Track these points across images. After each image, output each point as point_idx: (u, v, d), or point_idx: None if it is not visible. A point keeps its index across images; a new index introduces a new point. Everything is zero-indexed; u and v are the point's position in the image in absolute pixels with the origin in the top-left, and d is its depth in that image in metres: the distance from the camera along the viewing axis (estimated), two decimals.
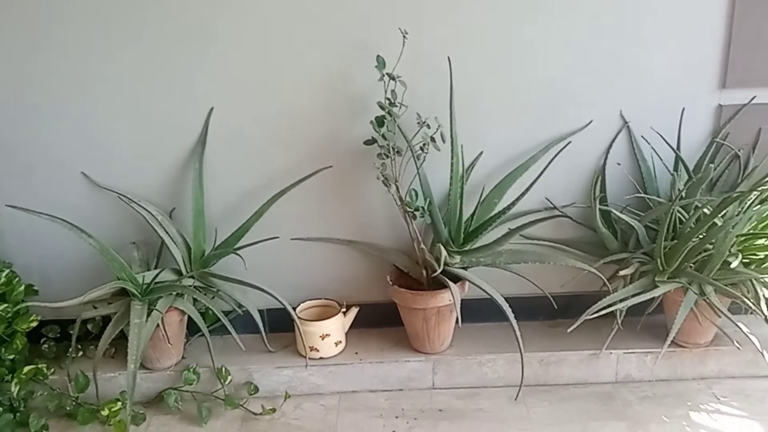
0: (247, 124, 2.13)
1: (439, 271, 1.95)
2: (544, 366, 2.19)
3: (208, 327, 2.11)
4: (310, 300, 2.28)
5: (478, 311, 2.25)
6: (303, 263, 2.29)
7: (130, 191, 2.16)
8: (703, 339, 2.17)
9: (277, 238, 2.14)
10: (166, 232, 2.10)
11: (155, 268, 2.17)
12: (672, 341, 2.15)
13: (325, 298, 2.28)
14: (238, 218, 2.16)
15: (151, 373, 2.16)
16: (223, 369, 2.12)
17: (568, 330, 2.01)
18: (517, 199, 2.00)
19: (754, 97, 2.12)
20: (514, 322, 1.98)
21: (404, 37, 1.93)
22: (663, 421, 2.01)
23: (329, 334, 2.15)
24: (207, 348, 2.09)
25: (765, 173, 2.06)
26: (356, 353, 2.21)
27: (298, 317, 2.16)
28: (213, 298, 2.18)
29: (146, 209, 2.11)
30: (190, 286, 2.09)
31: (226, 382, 2.11)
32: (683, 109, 2.12)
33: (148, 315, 1.99)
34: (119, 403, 2.02)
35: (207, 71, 2.07)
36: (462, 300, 2.19)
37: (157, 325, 1.99)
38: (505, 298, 2.04)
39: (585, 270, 2.02)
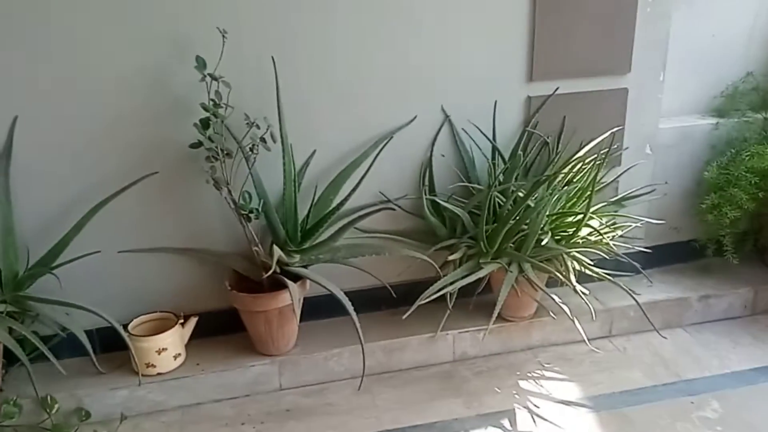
0: (59, 131, 1.97)
1: (271, 270, 1.93)
2: (387, 353, 2.27)
3: (30, 354, 1.93)
4: (145, 314, 2.16)
5: (322, 308, 2.28)
6: (134, 276, 2.17)
7: None
8: (527, 312, 2.36)
9: (98, 252, 2.01)
10: None
11: None
12: (500, 317, 2.34)
13: (161, 311, 2.18)
14: (56, 234, 2.00)
15: None
16: (48, 397, 1.96)
17: (403, 317, 2.10)
18: (349, 194, 2.04)
19: (558, 88, 2.33)
20: (353, 314, 2.02)
21: (224, 36, 1.89)
22: (496, 393, 2.17)
23: (166, 348, 2.06)
24: (29, 377, 1.91)
25: (568, 157, 2.28)
26: (197, 364, 2.14)
27: (131, 334, 2.05)
28: (33, 322, 2.00)
29: None
30: (2, 312, 1.89)
31: (53, 411, 1.95)
32: (495, 102, 2.28)
33: None
34: None
35: (6, 77, 1.89)
36: (305, 298, 2.22)
37: None
38: (348, 292, 2.08)
39: (418, 258, 2.12)
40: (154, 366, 2.06)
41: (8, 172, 1.93)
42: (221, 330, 2.27)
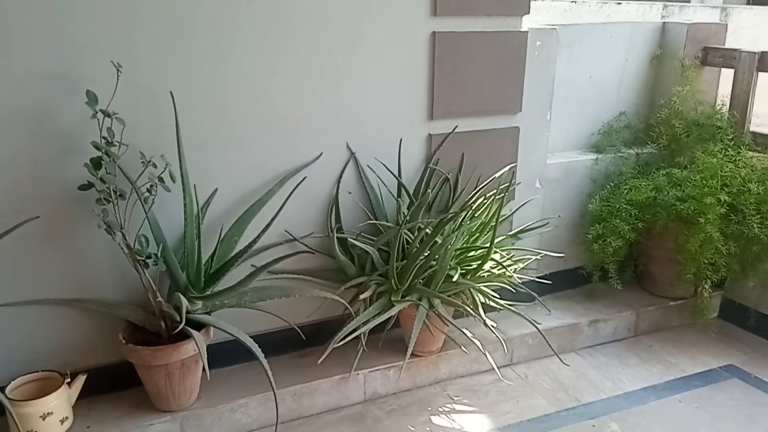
0: None
1: (181, 326, 1.79)
2: (297, 399, 2.18)
3: None
4: (25, 374, 1.92)
5: (226, 354, 2.16)
6: (12, 333, 1.92)
7: None
8: (435, 346, 2.38)
9: None
10: None
11: None
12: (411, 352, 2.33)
13: (44, 370, 1.94)
14: None
15: None
16: None
17: (318, 361, 2.03)
18: (258, 236, 1.97)
19: (456, 126, 2.41)
20: (263, 360, 1.92)
21: (118, 70, 1.76)
22: (409, 431, 2.15)
23: (51, 412, 1.84)
24: None
25: (470, 194, 2.35)
26: (88, 427, 1.94)
27: (8, 399, 1.81)
28: None
29: None
30: None
31: None
32: (401, 140, 2.31)
33: None
34: None
35: None
36: (207, 346, 2.08)
37: None
38: (253, 336, 1.98)
39: (328, 298, 2.07)
40: None
41: None
42: (113, 387, 2.07)
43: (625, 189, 2.66)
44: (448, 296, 2.17)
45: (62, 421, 1.89)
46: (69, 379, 1.93)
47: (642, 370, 2.54)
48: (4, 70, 1.74)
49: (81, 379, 1.97)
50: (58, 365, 1.96)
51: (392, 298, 2.14)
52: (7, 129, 1.78)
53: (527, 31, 2.41)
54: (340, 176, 2.25)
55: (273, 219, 2.00)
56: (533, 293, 2.43)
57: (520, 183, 2.59)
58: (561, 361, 2.48)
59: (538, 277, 2.42)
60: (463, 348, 2.32)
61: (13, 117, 1.78)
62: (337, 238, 2.19)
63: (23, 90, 1.78)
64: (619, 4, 3.66)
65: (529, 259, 2.38)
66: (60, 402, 1.87)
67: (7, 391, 1.84)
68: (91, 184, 1.78)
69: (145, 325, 2.01)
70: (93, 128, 1.77)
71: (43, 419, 1.83)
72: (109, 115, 1.76)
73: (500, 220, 2.42)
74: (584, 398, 2.37)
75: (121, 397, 2.07)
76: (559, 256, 2.49)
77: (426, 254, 2.15)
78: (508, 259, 2.30)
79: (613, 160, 2.83)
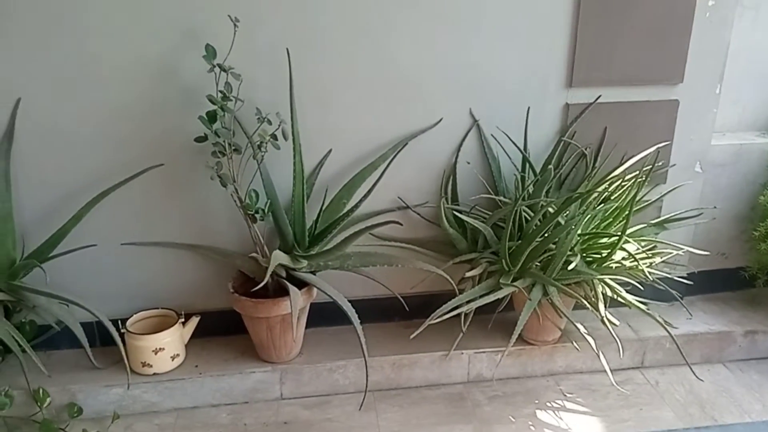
0: (63, 117, 1.89)
1: (264, 281, 1.81)
2: (396, 369, 2.13)
3: (30, 341, 1.88)
4: (145, 310, 2.08)
5: (331, 314, 2.15)
6: (136, 271, 2.09)
7: None
8: (551, 336, 2.19)
9: (95, 246, 1.94)
10: None
11: None
12: (522, 338, 2.18)
13: (162, 308, 2.09)
14: (56, 223, 1.93)
15: None
16: (41, 390, 1.90)
17: (411, 337, 1.95)
18: (362, 199, 1.91)
19: (600, 96, 2.14)
20: (358, 327, 1.90)
21: (235, 25, 1.78)
22: (510, 422, 2.01)
23: (163, 347, 1.97)
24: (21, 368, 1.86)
25: (607, 172, 2.09)
26: (196, 366, 2.05)
27: (128, 330, 1.97)
28: (30, 312, 1.94)
29: None
30: None
31: (44, 405, 1.89)
32: (528, 108, 2.10)
33: None
34: None
35: (10, 59, 1.82)
36: (313, 304, 2.10)
37: None
38: (359, 301, 1.96)
39: (432, 272, 1.97)
40: (150, 366, 1.98)
41: (9, 156, 1.87)
42: (224, 331, 2.17)
43: None
44: (566, 285, 1.96)
45: (173, 358, 2.02)
46: (183, 319, 2.06)
47: None
48: (134, 21, 1.83)
49: (194, 321, 2.09)
50: (176, 305, 2.11)
51: (501, 280, 1.98)
52: (135, 77, 1.89)
53: None
54: (460, 145, 2.12)
55: (378, 180, 1.93)
56: (674, 292, 2.13)
57: (674, 165, 2.25)
58: (692, 371, 2.15)
59: (679, 276, 2.10)
60: (575, 344, 2.10)
61: (141, 66, 1.88)
62: (449, 209, 2.06)
63: (150, 41, 1.86)
64: None
65: (670, 253, 2.07)
66: (173, 339, 2.00)
67: (128, 324, 2.01)
68: (206, 137, 1.83)
69: (255, 277, 2.07)
70: (213, 82, 1.81)
71: (155, 354, 1.97)
72: (225, 70, 1.79)
73: (643, 206, 2.15)
74: (723, 418, 2.04)
75: (230, 342, 2.16)
76: (703, 254, 2.14)
77: (545, 236, 1.95)
78: (642, 251, 2.02)
79: None
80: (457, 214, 2.05)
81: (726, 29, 2.14)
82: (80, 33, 1.83)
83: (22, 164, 1.91)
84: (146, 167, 1.94)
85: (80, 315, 1.92)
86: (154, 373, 1.99)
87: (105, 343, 2.08)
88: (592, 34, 2.06)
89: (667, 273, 2.10)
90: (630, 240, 2.01)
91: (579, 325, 1.97)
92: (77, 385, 1.95)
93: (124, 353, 1.92)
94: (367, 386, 1.95)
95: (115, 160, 1.94)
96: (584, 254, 2.03)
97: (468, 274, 2.01)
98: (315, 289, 2.03)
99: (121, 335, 1.95)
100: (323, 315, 2.18)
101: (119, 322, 1.98)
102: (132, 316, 2.05)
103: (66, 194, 1.95)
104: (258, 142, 1.83)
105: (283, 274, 2.00)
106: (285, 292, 1.94)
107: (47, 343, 2.06)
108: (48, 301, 1.89)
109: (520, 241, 2.00)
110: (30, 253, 1.91)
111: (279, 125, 1.87)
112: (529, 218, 2.02)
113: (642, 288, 2.09)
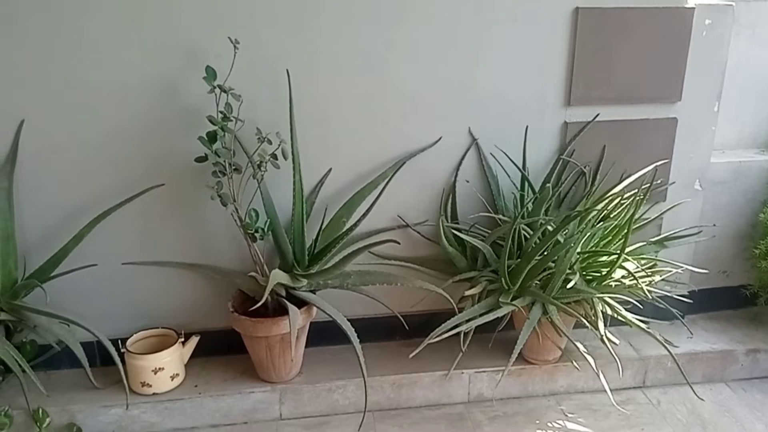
0: (64, 138, 1.91)
1: (262, 300, 1.81)
2: (396, 389, 2.12)
3: (30, 361, 1.89)
4: (145, 330, 2.08)
5: (331, 333, 2.14)
6: (136, 290, 2.09)
7: None
8: (552, 355, 2.18)
9: (95, 265, 1.95)
10: None
11: None
12: (522, 358, 2.16)
13: (162, 327, 2.10)
14: (58, 242, 1.94)
15: None
16: (40, 411, 1.89)
17: (410, 356, 1.95)
18: (361, 217, 1.91)
19: (598, 114, 2.15)
20: (357, 346, 1.89)
21: (235, 47, 1.80)
22: None
23: (163, 367, 1.97)
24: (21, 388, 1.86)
25: (606, 191, 2.10)
26: (195, 386, 2.05)
27: (128, 350, 1.97)
28: (31, 332, 1.94)
29: None
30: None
31: (44, 425, 1.89)
32: (527, 127, 2.12)
33: None
34: None
35: (14, 78, 1.84)
36: (313, 323, 2.10)
37: None
38: (359, 320, 1.96)
39: (431, 290, 1.97)
40: (149, 385, 1.98)
41: (12, 177, 1.88)
42: (224, 350, 2.17)
43: None
44: (566, 303, 1.96)
45: (173, 378, 2.02)
46: (183, 339, 2.06)
47: None
48: (136, 41, 1.86)
49: (194, 340, 2.09)
50: (176, 324, 2.11)
51: (500, 299, 1.98)
52: (136, 98, 1.91)
53: (694, 8, 2.07)
54: (459, 163, 2.13)
55: (376, 201, 1.94)
56: (675, 311, 2.12)
57: (673, 183, 2.26)
58: (693, 391, 2.14)
59: (680, 295, 2.10)
60: (575, 363, 2.09)
61: (142, 87, 1.90)
62: (448, 227, 2.07)
63: (152, 61, 1.88)
64: None
65: (669, 271, 2.07)
66: (172, 359, 2.00)
67: (128, 343, 2.01)
68: (206, 157, 1.85)
69: (255, 296, 2.07)
70: (214, 103, 1.83)
71: (155, 373, 1.97)
72: (225, 91, 1.81)
73: (643, 224, 2.15)
74: None
75: (230, 362, 2.16)
76: (702, 272, 2.14)
77: (544, 254, 1.96)
78: (642, 269, 2.01)
79: None
80: (456, 232, 2.06)
81: (723, 47, 2.15)
82: (81, 56, 1.85)
83: (25, 185, 1.93)
84: (147, 187, 1.95)
85: (81, 335, 1.93)
86: (154, 393, 1.99)
87: (105, 362, 2.07)
88: (590, 52, 2.08)
89: (667, 291, 2.09)
90: (629, 258, 2.01)
91: (579, 344, 1.96)
92: (77, 406, 1.95)
93: (123, 374, 1.92)
94: (366, 406, 1.94)
95: (117, 181, 1.96)
96: (584, 272, 2.03)
97: (468, 293, 2.01)
98: (314, 308, 2.03)
99: (121, 355, 1.95)
100: (323, 334, 2.18)
101: (119, 341, 1.98)
102: (132, 335, 2.05)
103: (67, 214, 1.97)
104: (258, 162, 1.84)
105: (283, 293, 2.00)
106: (284, 311, 1.94)
107: (48, 363, 2.07)
108: (48, 321, 1.89)
109: (519, 260, 2.00)
110: (31, 273, 1.92)
111: (279, 145, 1.89)
112: (528, 236, 2.02)
113: (642, 306, 2.09)
